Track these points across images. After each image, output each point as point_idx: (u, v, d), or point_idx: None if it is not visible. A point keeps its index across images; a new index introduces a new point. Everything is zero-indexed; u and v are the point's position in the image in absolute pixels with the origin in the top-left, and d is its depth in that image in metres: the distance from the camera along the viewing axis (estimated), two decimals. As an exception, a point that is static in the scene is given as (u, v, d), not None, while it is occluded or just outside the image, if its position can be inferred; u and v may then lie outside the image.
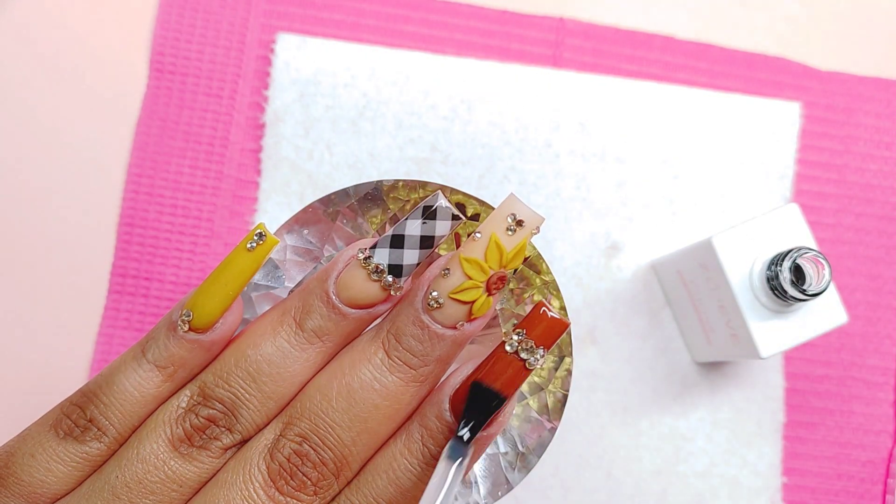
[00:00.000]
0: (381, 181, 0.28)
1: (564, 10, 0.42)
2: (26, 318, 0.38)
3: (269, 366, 0.22)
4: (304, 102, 0.40)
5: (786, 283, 0.32)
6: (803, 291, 0.32)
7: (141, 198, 0.39)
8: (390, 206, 0.29)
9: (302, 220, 0.29)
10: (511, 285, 0.27)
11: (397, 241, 0.23)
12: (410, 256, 0.23)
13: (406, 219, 0.23)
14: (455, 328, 0.22)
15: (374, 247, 0.23)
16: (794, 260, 0.32)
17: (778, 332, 0.33)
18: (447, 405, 0.22)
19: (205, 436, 0.22)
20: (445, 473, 0.20)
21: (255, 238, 0.23)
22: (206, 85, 0.40)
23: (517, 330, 0.22)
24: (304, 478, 0.22)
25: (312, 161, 0.39)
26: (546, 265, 0.28)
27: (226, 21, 0.40)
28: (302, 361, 0.23)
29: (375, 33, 0.41)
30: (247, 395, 0.22)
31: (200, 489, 0.22)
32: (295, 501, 0.22)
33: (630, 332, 0.40)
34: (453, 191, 0.29)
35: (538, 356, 0.22)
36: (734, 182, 0.41)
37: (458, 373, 0.23)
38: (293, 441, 0.22)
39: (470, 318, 0.22)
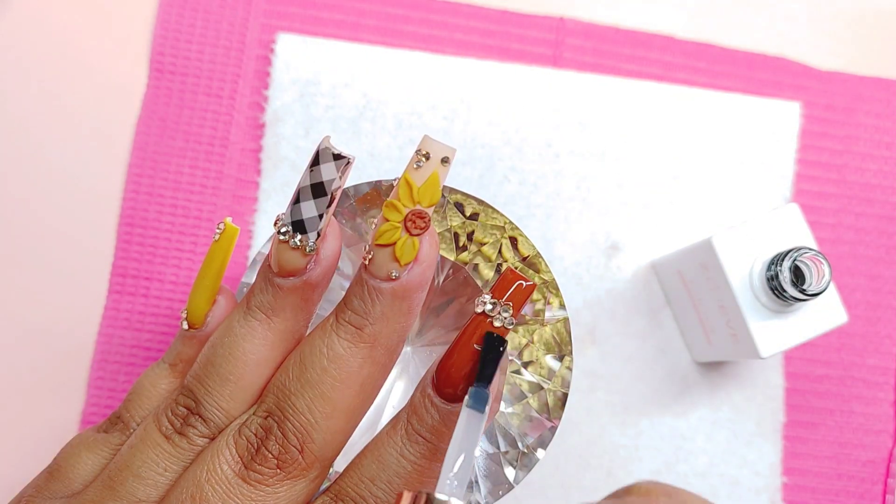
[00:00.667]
0: (379, 181, 0.28)
1: (564, 10, 0.42)
2: (26, 317, 0.38)
3: (222, 347, 0.23)
4: (304, 102, 0.40)
5: (786, 283, 0.32)
6: (803, 291, 0.32)
7: (141, 198, 0.39)
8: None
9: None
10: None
11: (294, 198, 0.23)
12: (308, 209, 0.22)
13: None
14: (390, 279, 0.22)
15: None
16: (794, 260, 0.32)
17: (778, 332, 0.33)
18: (429, 380, 0.22)
19: (184, 423, 0.23)
20: (470, 420, 0.20)
21: (217, 229, 0.25)
22: (206, 85, 0.40)
23: (487, 293, 0.22)
24: (267, 451, 0.22)
25: (312, 161, 0.39)
26: (545, 264, 0.28)
27: (226, 21, 0.40)
28: (250, 339, 0.23)
29: (375, 33, 0.41)
30: (208, 382, 0.23)
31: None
32: (258, 475, 0.22)
33: (630, 332, 0.40)
34: (452, 190, 0.29)
35: (506, 314, 0.22)
36: (734, 182, 0.41)
37: (440, 355, 0.23)
38: (259, 416, 0.22)
39: (399, 263, 0.22)
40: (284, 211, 0.23)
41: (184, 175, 0.39)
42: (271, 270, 0.23)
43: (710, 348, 0.38)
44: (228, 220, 0.25)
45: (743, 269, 0.34)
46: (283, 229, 0.23)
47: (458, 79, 0.40)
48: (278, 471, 0.22)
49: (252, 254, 0.39)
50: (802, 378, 0.40)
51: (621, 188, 0.41)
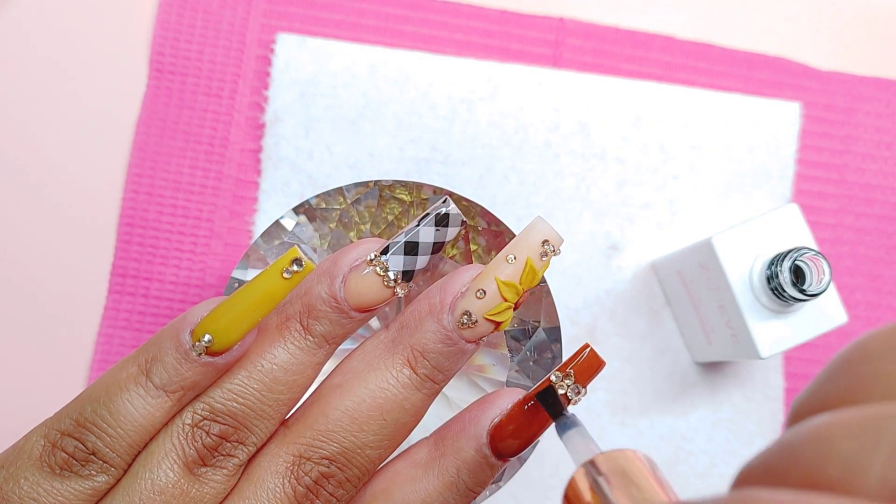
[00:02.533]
0: (377, 181, 0.28)
1: (564, 10, 0.42)
2: (26, 318, 0.38)
3: (285, 374, 0.22)
4: (304, 102, 0.40)
5: (786, 283, 0.32)
6: (803, 291, 0.32)
7: (141, 198, 0.39)
8: (387, 207, 0.29)
9: (294, 218, 0.29)
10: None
11: (411, 249, 0.23)
12: (422, 262, 0.23)
13: (419, 225, 0.23)
14: (478, 343, 0.23)
15: (384, 251, 0.23)
16: (794, 260, 0.32)
17: (778, 332, 0.33)
18: (486, 439, 0.23)
19: (218, 454, 0.21)
20: (579, 441, 0.21)
21: (294, 264, 0.21)
22: (206, 85, 0.40)
23: (565, 371, 0.23)
24: (330, 496, 0.22)
25: (312, 161, 0.39)
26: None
27: (226, 21, 0.40)
28: (313, 366, 0.23)
29: (375, 33, 0.41)
30: (262, 406, 0.22)
31: None
32: None
33: (630, 332, 0.40)
34: (459, 197, 0.29)
35: (580, 391, 0.23)
36: (734, 182, 0.41)
37: (495, 404, 0.23)
38: (320, 465, 0.22)
39: (493, 332, 0.23)
40: (382, 251, 0.23)
41: (184, 175, 0.39)
42: (346, 302, 0.23)
43: (709, 348, 0.38)
44: (305, 256, 0.22)
45: (743, 269, 0.34)
46: (392, 275, 0.23)
47: (458, 79, 0.40)
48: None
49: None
50: (802, 378, 0.40)
51: (621, 188, 0.41)
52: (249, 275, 0.29)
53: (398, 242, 0.23)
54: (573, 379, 0.22)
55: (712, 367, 0.40)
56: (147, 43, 0.40)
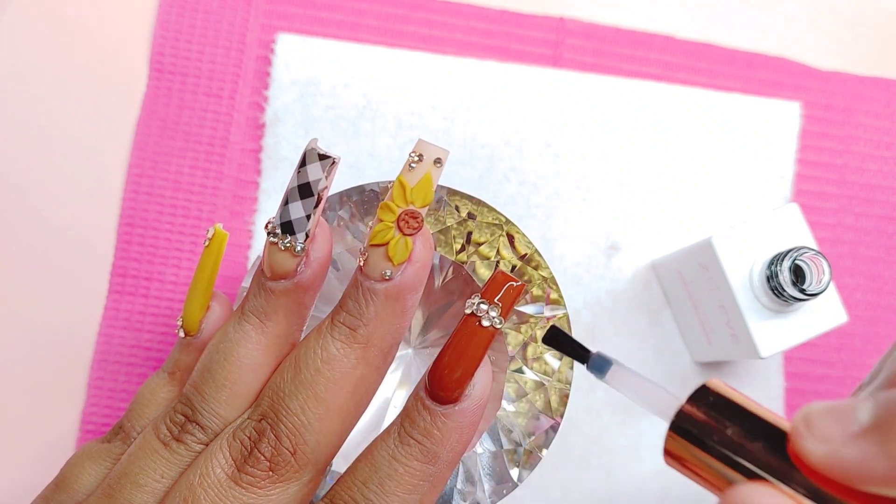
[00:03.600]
0: (377, 183, 0.28)
1: (564, 10, 0.42)
2: (26, 317, 0.38)
3: (217, 353, 0.23)
4: (304, 102, 0.40)
5: (786, 283, 0.32)
6: (803, 291, 0.32)
7: (141, 198, 0.39)
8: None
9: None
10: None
11: (283, 200, 0.23)
12: (296, 210, 0.23)
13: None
14: (384, 279, 0.22)
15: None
16: (794, 260, 0.32)
17: (778, 332, 0.33)
18: (421, 384, 0.23)
19: (182, 430, 0.23)
20: (630, 378, 0.22)
21: (207, 235, 0.25)
22: (206, 85, 0.40)
23: (476, 294, 0.22)
24: (259, 454, 0.22)
25: (312, 161, 0.39)
26: (544, 261, 0.28)
27: (226, 21, 0.40)
28: (244, 343, 0.23)
29: (375, 33, 0.41)
30: (204, 388, 0.23)
31: None
32: (250, 478, 0.22)
33: (630, 332, 0.40)
34: (450, 191, 0.29)
35: (494, 311, 0.22)
36: (734, 182, 0.41)
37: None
38: (254, 420, 0.22)
39: (393, 263, 0.22)
40: (275, 214, 0.23)
41: (184, 175, 0.39)
42: (263, 274, 0.23)
43: (709, 348, 0.38)
44: (218, 225, 0.25)
45: (743, 269, 0.34)
46: (273, 231, 0.23)
47: (458, 79, 0.40)
48: (270, 473, 0.22)
49: (252, 254, 0.39)
50: (802, 378, 0.40)
51: (621, 188, 0.41)
52: None
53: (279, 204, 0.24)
54: (487, 301, 0.22)
55: (712, 367, 0.40)
56: (147, 43, 0.40)
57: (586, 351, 0.23)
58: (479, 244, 0.29)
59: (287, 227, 0.23)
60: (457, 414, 0.22)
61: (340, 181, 0.39)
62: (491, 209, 0.28)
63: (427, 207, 0.23)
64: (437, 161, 0.22)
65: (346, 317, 0.22)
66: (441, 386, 0.22)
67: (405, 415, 0.22)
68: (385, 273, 0.22)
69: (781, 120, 0.42)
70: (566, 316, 0.28)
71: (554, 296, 0.28)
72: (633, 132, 0.41)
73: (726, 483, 0.19)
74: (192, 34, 0.40)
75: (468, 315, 0.22)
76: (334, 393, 0.22)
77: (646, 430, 0.39)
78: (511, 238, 0.28)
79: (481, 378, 0.22)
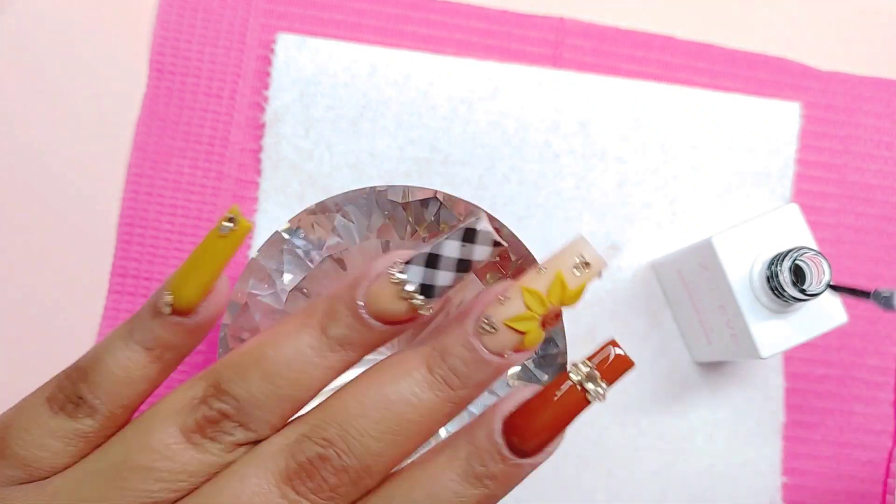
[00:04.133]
0: (373, 188, 0.28)
1: (564, 10, 0.42)
2: (26, 317, 0.38)
3: (289, 370, 0.22)
4: (304, 102, 0.40)
5: (786, 283, 0.32)
6: (803, 291, 0.32)
7: (141, 198, 0.39)
8: (387, 212, 0.29)
9: (297, 225, 0.29)
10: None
11: (433, 261, 0.22)
12: (444, 278, 0.22)
13: (445, 238, 0.22)
14: (502, 356, 0.22)
15: (408, 262, 0.22)
16: (794, 260, 0.32)
17: (778, 332, 0.33)
18: (499, 425, 0.22)
19: (217, 428, 0.22)
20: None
21: (228, 224, 0.23)
22: (206, 85, 0.40)
23: (585, 361, 0.22)
24: (323, 481, 0.21)
25: (312, 161, 0.39)
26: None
27: (226, 21, 0.40)
28: (323, 368, 0.22)
29: (375, 33, 0.41)
30: (262, 396, 0.22)
31: (209, 479, 0.22)
32: (306, 502, 0.21)
33: (630, 332, 0.40)
34: (447, 196, 0.29)
35: (601, 389, 0.22)
36: (734, 182, 0.41)
37: (513, 397, 0.23)
38: (319, 444, 0.22)
39: (519, 348, 0.22)
40: (408, 262, 0.22)
41: (184, 175, 0.39)
42: (364, 309, 0.22)
43: (710, 348, 0.38)
44: (239, 213, 0.23)
45: (743, 269, 0.34)
46: (411, 287, 0.22)
47: (458, 79, 0.40)
48: (329, 502, 0.21)
49: (252, 254, 0.39)
50: (802, 378, 0.40)
51: (621, 188, 0.41)
52: (251, 287, 0.29)
53: (421, 254, 0.22)
54: (597, 375, 0.22)
55: (712, 367, 0.40)
56: (147, 43, 0.40)
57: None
58: None
59: (428, 291, 0.22)
60: (528, 466, 0.22)
61: (340, 182, 0.39)
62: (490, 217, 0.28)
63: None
64: (599, 274, 0.22)
65: (450, 376, 0.22)
66: (524, 440, 0.22)
67: (476, 453, 0.22)
68: (506, 354, 0.22)
69: (781, 120, 0.42)
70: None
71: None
72: (633, 132, 0.41)
73: None
74: (192, 34, 0.40)
75: (571, 382, 0.22)
76: (416, 441, 0.22)
77: (646, 429, 0.39)
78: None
79: (559, 439, 0.22)
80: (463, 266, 0.22)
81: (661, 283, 0.40)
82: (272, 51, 0.40)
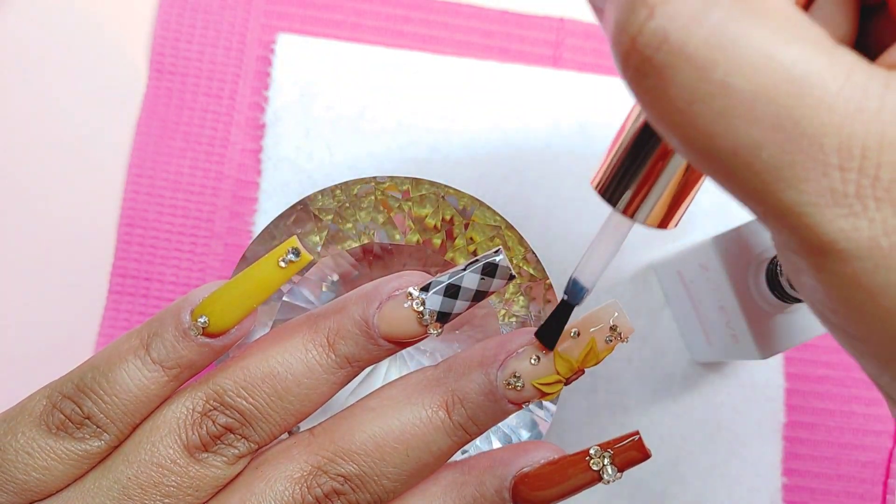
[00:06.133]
0: (366, 178, 0.28)
1: (564, 11, 0.42)
2: (26, 318, 0.38)
3: (298, 386, 0.22)
4: (304, 102, 0.40)
5: (786, 283, 0.32)
6: (803, 291, 0.32)
7: (141, 198, 0.39)
8: (381, 208, 0.29)
9: (289, 219, 0.29)
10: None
11: (452, 292, 0.23)
12: (461, 307, 0.23)
13: (465, 270, 0.23)
14: (520, 406, 0.23)
15: (425, 288, 0.23)
16: (794, 260, 0.32)
17: (778, 332, 0.33)
18: (510, 483, 0.23)
19: (220, 443, 0.22)
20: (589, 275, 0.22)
21: (290, 254, 0.22)
22: (206, 85, 0.40)
23: (605, 450, 0.23)
24: None
25: (312, 161, 0.39)
26: (540, 264, 0.28)
27: (226, 21, 0.40)
28: (330, 384, 0.23)
29: (375, 33, 0.41)
30: (269, 411, 0.22)
31: (217, 493, 0.22)
32: None
33: (630, 332, 0.40)
34: (447, 188, 0.29)
35: (612, 476, 0.23)
36: (734, 182, 0.41)
37: (528, 455, 0.23)
38: (335, 480, 0.22)
39: (538, 398, 0.23)
40: (424, 289, 0.23)
41: (184, 175, 0.39)
42: (376, 329, 0.23)
43: (709, 349, 0.38)
44: (303, 247, 0.22)
45: (743, 269, 0.34)
46: (427, 317, 0.23)
47: (458, 79, 0.40)
48: None
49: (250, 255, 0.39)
50: (802, 378, 0.40)
51: (621, 188, 0.41)
52: None
53: (441, 283, 0.23)
54: (612, 459, 0.22)
55: (712, 368, 0.40)
56: (147, 43, 0.40)
57: (562, 304, 0.23)
58: (475, 242, 0.29)
59: (443, 318, 0.23)
60: None
61: (340, 181, 0.39)
62: (491, 210, 0.28)
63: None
64: (626, 340, 0.23)
65: (470, 423, 0.23)
66: (531, 503, 0.22)
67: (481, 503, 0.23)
68: (525, 405, 0.23)
69: (781, 120, 0.42)
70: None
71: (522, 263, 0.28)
72: (633, 132, 0.41)
73: None
74: (192, 34, 0.40)
75: (588, 461, 0.23)
76: (425, 473, 0.23)
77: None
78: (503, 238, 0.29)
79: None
80: (479, 296, 0.23)
81: (661, 283, 0.40)
82: (272, 51, 0.40)
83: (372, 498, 0.22)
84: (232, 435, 0.22)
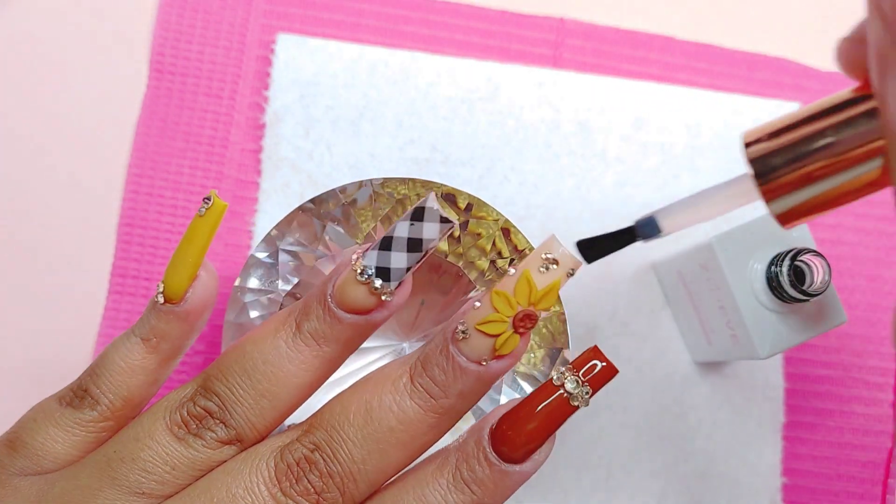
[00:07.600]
0: (370, 180, 0.28)
1: (564, 10, 0.42)
2: (26, 318, 0.38)
3: (264, 364, 0.23)
4: (304, 102, 0.40)
5: (786, 283, 0.32)
6: (803, 292, 0.32)
7: (141, 198, 0.39)
8: (382, 206, 0.29)
9: (292, 222, 0.29)
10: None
11: (385, 244, 0.23)
12: (398, 260, 0.22)
13: (396, 222, 0.23)
14: (480, 363, 0.22)
15: (366, 251, 0.23)
16: (794, 260, 0.32)
17: (778, 332, 0.33)
18: (486, 433, 0.22)
19: (200, 425, 0.23)
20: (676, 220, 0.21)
21: (204, 203, 0.24)
22: (206, 85, 0.40)
23: (569, 368, 0.22)
24: (309, 484, 0.22)
25: (312, 161, 0.39)
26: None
27: (226, 21, 0.40)
28: (297, 363, 0.23)
29: (375, 33, 0.41)
30: (241, 392, 0.23)
31: (201, 477, 0.23)
32: (293, 503, 0.22)
33: (630, 332, 0.40)
34: (447, 189, 0.29)
35: (586, 394, 0.22)
36: (734, 182, 0.41)
37: (501, 407, 0.23)
38: (306, 447, 0.22)
39: (495, 354, 0.22)
40: (366, 250, 0.23)
41: (184, 175, 0.39)
42: (332, 300, 0.23)
43: (709, 348, 0.38)
44: (215, 192, 0.24)
45: (743, 270, 0.34)
46: (368, 272, 0.22)
47: (458, 79, 0.40)
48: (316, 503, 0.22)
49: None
50: (802, 378, 0.40)
51: (621, 188, 0.41)
52: (250, 283, 0.29)
53: (377, 241, 0.23)
54: (581, 380, 0.22)
55: (712, 367, 0.40)
56: (147, 43, 0.40)
57: (627, 231, 0.22)
58: (479, 236, 0.29)
59: (382, 273, 0.22)
60: (516, 474, 0.22)
61: (340, 181, 0.39)
62: (490, 208, 0.29)
63: (546, 313, 0.22)
64: (571, 273, 0.22)
65: (430, 384, 0.22)
66: (511, 447, 0.22)
67: (463, 458, 0.22)
68: (484, 361, 0.22)
69: (781, 120, 0.42)
70: (561, 313, 0.28)
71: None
72: (633, 132, 0.41)
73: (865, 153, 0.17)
74: (192, 34, 0.40)
75: (554, 386, 0.22)
76: (400, 453, 0.22)
77: (646, 429, 0.39)
78: (506, 231, 0.29)
79: (547, 446, 0.23)
80: (413, 245, 0.22)
81: (661, 283, 0.40)
82: (272, 51, 0.40)
83: (342, 468, 0.22)
84: (211, 419, 0.23)
